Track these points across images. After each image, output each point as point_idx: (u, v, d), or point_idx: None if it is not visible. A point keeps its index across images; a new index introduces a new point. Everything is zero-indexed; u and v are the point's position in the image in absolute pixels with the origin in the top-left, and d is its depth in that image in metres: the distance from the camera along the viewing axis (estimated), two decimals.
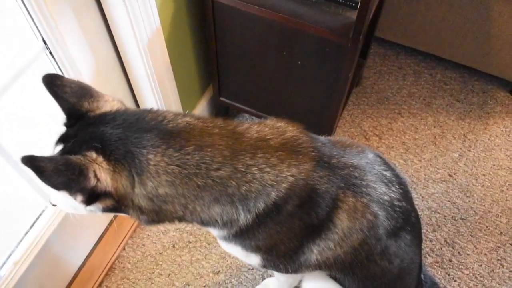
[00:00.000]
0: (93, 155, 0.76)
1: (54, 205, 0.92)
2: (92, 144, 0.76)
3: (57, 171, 0.71)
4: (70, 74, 1.13)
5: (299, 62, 1.33)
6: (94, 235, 1.51)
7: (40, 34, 1.04)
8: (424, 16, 1.83)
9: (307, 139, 0.88)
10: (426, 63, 2.07)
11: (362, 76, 1.98)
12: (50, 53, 1.08)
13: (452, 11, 1.76)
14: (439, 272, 1.54)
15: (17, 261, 1.21)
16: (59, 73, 1.12)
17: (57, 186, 0.75)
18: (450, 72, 2.04)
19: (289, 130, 0.88)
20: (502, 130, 1.87)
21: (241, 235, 0.88)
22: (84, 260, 1.48)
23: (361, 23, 1.11)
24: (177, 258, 1.54)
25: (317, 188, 0.84)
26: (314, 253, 0.92)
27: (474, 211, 1.66)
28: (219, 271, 1.52)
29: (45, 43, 1.05)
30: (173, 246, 1.56)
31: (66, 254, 1.40)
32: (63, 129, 0.85)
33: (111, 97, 0.88)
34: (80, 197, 0.78)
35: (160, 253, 1.55)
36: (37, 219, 1.28)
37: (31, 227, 1.27)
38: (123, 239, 1.55)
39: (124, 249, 1.55)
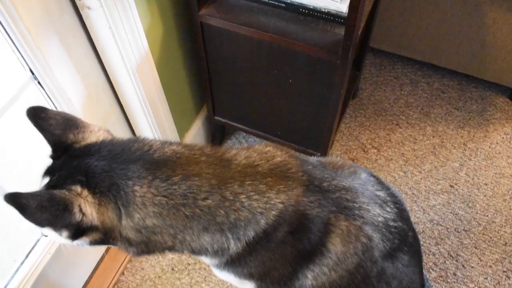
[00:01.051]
0: (78, 189, 0.75)
1: (46, 236, 0.91)
2: (77, 178, 0.76)
3: (41, 208, 0.70)
4: (60, 101, 1.12)
5: (290, 80, 1.32)
6: (91, 261, 1.49)
7: (27, 64, 1.03)
8: (418, 25, 1.82)
9: (297, 163, 0.86)
10: (423, 72, 2.05)
11: (358, 88, 1.97)
12: (39, 82, 1.07)
13: (446, 19, 1.75)
14: (444, 287, 1.51)
15: None
16: (49, 101, 1.11)
17: (41, 223, 0.74)
18: (448, 80, 2.03)
19: (277, 155, 0.86)
20: (502, 137, 1.85)
21: (233, 263, 0.87)
22: (83, 286, 1.47)
23: (350, 40, 1.10)
24: (177, 281, 1.52)
25: (308, 213, 0.82)
26: (309, 278, 0.90)
27: (477, 222, 1.63)
28: None
29: (32, 73, 1.05)
30: (172, 269, 1.54)
31: (63, 282, 1.38)
32: (49, 162, 0.84)
33: (97, 127, 0.87)
34: (65, 233, 0.77)
35: (159, 277, 1.53)
36: (32, 248, 1.27)
37: (26, 256, 1.26)
38: (122, 263, 1.53)
39: (123, 273, 1.54)
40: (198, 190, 0.77)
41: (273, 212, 0.79)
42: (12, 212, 1.10)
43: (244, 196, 0.79)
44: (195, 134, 1.70)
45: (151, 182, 0.76)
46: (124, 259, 1.54)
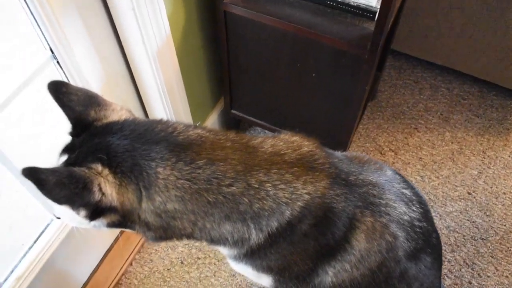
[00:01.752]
0: (99, 167, 0.72)
1: (58, 218, 0.89)
2: (98, 156, 0.73)
3: (60, 185, 0.67)
4: (77, 83, 1.10)
5: (313, 74, 1.29)
6: (100, 250, 1.47)
7: (48, 43, 1.01)
8: (441, 29, 1.79)
9: (324, 155, 0.83)
10: (443, 77, 2.02)
11: (377, 90, 1.93)
12: (58, 62, 1.05)
13: (470, 24, 1.72)
14: None
15: (20, 276, 1.17)
16: (68, 82, 1.09)
17: (59, 200, 0.71)
18: (468, 86, 1.99)
19: (304, 145, 0.83)
20: None
21: (252, 255, 0.84)
22: (90, 275, 1.44)
23: (380, 34, 1.07)
24: (186, 275, 1.49)
25: (334, 207, 0.79)
26: (329, 275, 0.87)
27: (495, 231, 1.59)
28: None
29: (52, 52, 1.03)
30: (182, 262, 1.51)
31: (71, 269, 1.36)
32: (68, 139, 0.81)
33: (119, 106, 0.85)
34: (83, 212, 0.74)
35: (168, 269, 1.50)
36: (42, 233, 1.24)
37: (35, 241, 1.23)
38: (131, 254, 1.51)
39: (131, 264, 1.51)
40: (223, 175, 0.74)
41: (299, 203, 0.76)
42: (20, 196, 1.08)
43: (270, 184, 0.76)
44: (210, 127, 1.67)
45: (174, 164, 0.73)
46: (133, 250, 1.51)
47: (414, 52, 1.97)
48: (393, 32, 1.63)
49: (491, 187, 1.70)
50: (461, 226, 1.60)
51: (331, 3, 1.19)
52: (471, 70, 1.90)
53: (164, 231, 0.79)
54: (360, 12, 1.17)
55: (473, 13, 1.68)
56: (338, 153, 0.92)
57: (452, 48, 1.85)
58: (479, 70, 1.88)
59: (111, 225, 0.79)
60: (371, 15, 1.16)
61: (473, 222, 1.61)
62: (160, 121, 0.80)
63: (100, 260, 1.46)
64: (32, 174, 0.66)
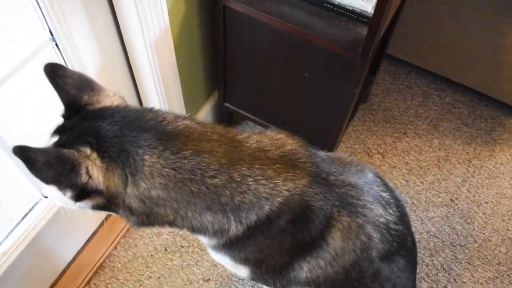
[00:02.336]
0: (87, 150, 0.74)
1: (46, 197, 0.91)
2: (87, 139, 0.75)
3: (48, 165, 0.69)
4: (75, 67, 1.12)
5: (306, 74, 1.31)
6: (86, 232, 1.49)
7: (47, 25, 1.03)
8: (437, 37, 1.82)
9: (306, 154, 0.86)
10: (436, 85, 2.05)
11: (370, 93, 1.96)
12: (56, 45, 1.07)
13: (466, 35, 1.74)
14: None
15: (6, 251, 1.20)
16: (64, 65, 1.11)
17: (46, 180, 0.73)
18: (460, 95, 2.02)
19: (288, 143, 0.86)
20: (508, 158, 1.84)
21: (231, 246, 0.87)
22: (74, 256, 1.47)
23: (371, 39, 1.10)
24: (168, 262, 1.52)
25: (312, 204, 0.82)
26: (304, 270, 0.90)
27: (474, 238, 1.63)
28: (209, 279, 1.50)
29: (51, 34, 1.05)
30: (165, 249, 1.54)
31: (56, 248, 1.39)
32: (60, 120, 0.83)
33: (112, 92, 0.86)
34: (69, 193, 0.76)
35: (151, 255, 1.53)
36: (30, 210, 1.27)
37: (23, 218, 1.26)
38: (116, 237, 1.53)
39: (115, 248, 1.54)
40: (207, 167, 0.77)
41: (278, 199, 0.79)
42: (12, 173, 1.10)
43: (252, 179, 0.78)
44: (203, 118, 1.70)
45: (161, 153, 0.75)
46: (118, 234, 1.54)
47: (409, 58, 2.00)
48: (388, 37, 1.66)
49: (473, 196, 1.73)
50: (441, 231, 1.64)
51: (328, 5, 1.21)
52: (464, 80, 1.94)
53: (147, 217, 0.82)
54: (355, 16, 1.20)
55: (469, 24, 1.71)
56: (322, 153, 0.95)
57: (447, 57, 1.88)
58: (471, 80, 1.91)
59: (95, 207, 0.82)
60: (365, 20, 1.19)
61: (453, 228, 1.65)
62: (150, 110, 0.82)
63: (85, 242, 1.49)
64: (22, 152, 0.68)
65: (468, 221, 1.67)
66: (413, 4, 1.75)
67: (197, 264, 1.52)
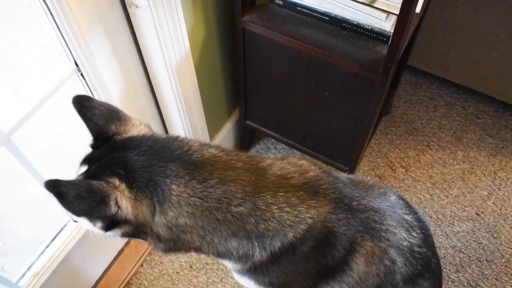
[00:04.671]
0: (116, 181, 0.76)
1: (76, 221, 0.93)
2: (116, 170, 0.77)
3: (79, 198, 0.71)
4: (100, 95, 1.15)
5: (326, 93, 1.32)
6: (113, 250, 1.53)
7: (72, 56, 1.07)
8: (460, 48, 1.80)
9: (329, 180, 0.87)
10: (459, 95, 2.02)
11: (392, 105, 1.95)
12: (81, 74, 1.11)
13: (489, 45, 1.72)
14: None
15: (37, 272, 1.24)
16: (90, 94, 1.15)
17: (77, 213, 0.76)
18: (483, 105, 1.99)
19: (311, 169, 0.87)
20: None
21: (255, 270, 0.88)
22: (102, 274, 1.50)
23: (391, 59, 1.10)
24: (194, 279, 1.54)
25: (335, 230, 0.83)
26: None
27: (501, 253, 1.60)
28: None
29: (76, 65, 1.08)
30: (191, 267, 1.56)
31: (84, 267, 1.42)
32: (89, 150, 0.86)
33: (139, 121, 0.89)
34: (99, 224, 0.79)
35: (177, 272, 1.55)
36: (59, 232, 1.31)
37: (52, 239, 1.30)
38: (142, 255, 1.56)
39: (142, 265, 1.57)
40: (232, 196, 0.78)
41: (302, 226, 0.80)
42: (39, 191, 1.13)
43: (276, 207, 0.80)
44: (225, 136, 1.72)
45: (188, 182, 0.77)
46: (144, 252, 1.57)
47: (431, 69, 1.99)
48: (409, 49, 1.65)
49: (500, 209, 1.70)
50: (467, 246, 1.62)
51: (347, 25, 1.22)
52: (487, 90, 1.91)
53: (174, 244, 0.84)
54: (374, 35, 1.20)
55: (491, 33, 1.68)
56: (344, 177, 0.95)
57: (469, 67, 1.85)
58: (495, 90, 1.89)
59: (124, 235, 0.84)
60: (384, 39, 1.19)
61: (480, 243, 1.63)
62: (176, 139, 0.84)
63: (113, 260, 1.52)
64: (54, 187, 0.70)
65: (495, 235, 1.64)
66: (434, 15, 1.74)
67: (221, 281, 1.53)
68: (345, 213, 0.84)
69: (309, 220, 0.80)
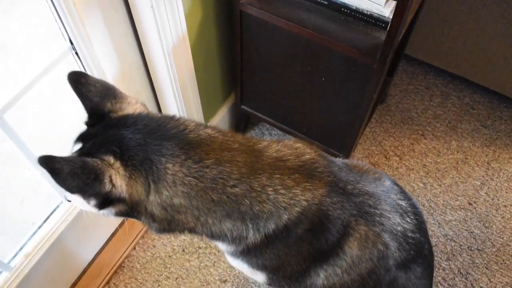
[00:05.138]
0: (111, 159, 0.75)
1: (69, 201, 0.92)
2: (111, 148, 0.76)
3: (73, 174, 0.71)
4: (94, 74, 1.14)
5: (323, 79, 1.31)
6: (106, 233, 1.52)
7: (67, 34, 1.05)
8: (457, 38, 1.79)
9: (324, 163, 0.87)
10: (455, 85, 2.03)
11: (387, 94, 1.95)
12: (76, 53, 1.09)
13: (486, 35, 1.72)
14: None
15: (29, 253, 1.23)
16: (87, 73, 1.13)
17: (71, 189, 0.75)
18: (479, 96, 1.99)
19: (307, 152, 0.87)
20: None
21: (248, 253, 0.88)
22: (95, 256, 1.50)
23: (389, 45, 1.09)
24: (186, 263, 1.54)
25: (329, 214, 0.83)
26: (321, 277, 0.91)
27: (492, 242, 1.62)
28: (226, 280, 1.51)
29: (71, 43, 1.07)
30: (183, 250, 1.56)
31: (77, 249, 1.42)
32: (83, 127, 0.84)
33: (135, 99, 0.88)
34: (93, 201, 0.78)
35: (169, 256, 1.55)
36: (51, 213, 1.30)
37: (45, 220, 1.29)
38: (135, 238, 1.56)
39: (134, 248, 1.57)
40: (228, 176, 0.78)
41: (297, 209, 0.80)
42: (32, 173, 1.12)
43: (271, 189, 0.79)
44: (220, 121, 1.71)
45: (183, 161, 0.77)
46: (137, 235, 1.57)
47: (427, 59, 1.98)
48: (406, 38, 1.65)
49: (492, 199, 1.72)
50: (458, 235, 1.63)
51: (345, 10, 1.21)
52: (483, 81, 1.91)
53: (168, 224, 0.83)
54: (373, 21, 1.19)
55: (488, 24, 1.68)
56: (339, 161, 0.95)
57: (466, 57, 1.85)
58: (491, 81, 1.89)
59: (118, 214, 0.83)
60: (383, 24, 1.18)
61: (471, 232, 1.64)
62: (172, 118, 0.83)
63: (105, 243, 1.52)
64: (48, 162, 0.69)
65: (487, 225, 1.66)
66: (432, 5, 1.73)
67: (214, 265, 1.54)
68: (340, 196, 0.84)
69: (304, 203, 0.80)
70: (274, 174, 0.81)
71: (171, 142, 0.77)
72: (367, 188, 0.89)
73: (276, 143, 0.87)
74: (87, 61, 1.11)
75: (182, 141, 0.78)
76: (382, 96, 1.88)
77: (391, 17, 1.14)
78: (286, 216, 0.80)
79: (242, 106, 1.66)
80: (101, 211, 0.82)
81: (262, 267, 0.92)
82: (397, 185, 0.99)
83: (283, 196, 0.80)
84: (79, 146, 0.81)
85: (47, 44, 1.09)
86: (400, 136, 1.88)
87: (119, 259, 1.53)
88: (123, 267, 1.53)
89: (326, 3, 1.22)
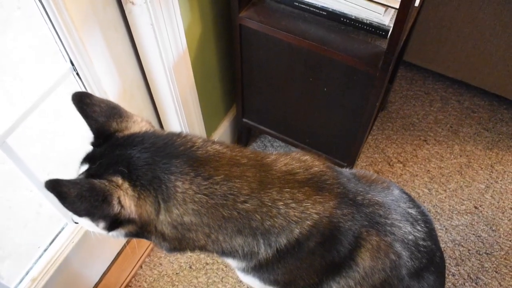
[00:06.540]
0: (119, 180, 0.74)
1: (76, 223, 0.91)
2: (119, 168, 0.75)
3: (81, 197, 0.69)
4: (96, 94, 1.13)
5: (325, 89, 1.31)
6: (112, 252, 1.51)
7: (68, 55, 1.05)
8: (454, 42, 1.80)
9: (333, 175, 0.86)
10: (454, 90, 2.03)
11: (388, 101, 1.95)
12: (77, 74, 1.09)
13: (484, 38, 1.73)
14: None
15: (35, 277, 1.22)
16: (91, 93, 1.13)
17: (79, 213, 0.73)
18: (479, 99, 2.00)
19: (315, 164, 0.86)
20: None
21: (260, 268, 0.87)
22: (101, 277, 1.48)
23: (391, 53, 1.09)
24: (194, 280, 1.52)
25: (340, 226, 0.82)
26: None
27: (500, 246, 1.61)
28: None
29: (72, 64, 1.06)
30: (190, 267, 1.55)
31: (83, 270, 1.40)
32: (89, 148, 0.83)
33: (140, 117, 0.87)
34: (102, 224, 0.77)
35: (176, 273, 1.53)
36: (56, 235, 1.28)
37: (50, 243, 1.27)
38: (141, 257, 1.55)
39: (141, 267, 1.55)
40: (238, 192, 0.77)
41: (308, 222, 0.79)
42: (33, 195, 1.11)
43: (282, 203, 0.78)
44: (222, 134, 1.71)
45: (193, 179, 0.76)
46: (143, 253, 1.55)
47: (426, 64, 1.99)
48: (405, 45, 1.65)
49: (498, 202, 1.71)
50: (466, 240, 1.62)
51: (345, 20, 1.21)
52: (482, 84, 1.91)
53: (179, 242, 0.82)
54: (373, 29, 1.19)
55: (486, 27, 1.69)
56: (347, 172, 0.94)
57: (464, 61, 1.86)
58: (490, 83, 1.89)
59: (128, 235, 0.82)
60: (383, 32, 1.18)
61: (479, 236, 1.63)
62: (179, 135, 0.82)
63: (111, 263, 1.50)
64: (54, 186, 0.68)
65: (494, 228, 1.65)
66: (429, 10, 1.74)
67: (222, 281, 1.52)
68: (350, 208, 0.83)
69: (315, 216, 0.79)
70: (284, 188, 0.80)
71: (180, 160, 0.77)
72: (376, 198, 0.88)
73: (284, 156, 0.86)
74: (88, 81, 1.10)
75: (191, 158, 0.77)
76: (383, 104, 1.88)
77: (391, 25, 1.15)
78: (297, 230, 0.79)
79: (244, 119, 1.65)
80: (111, 233, 0.81)
81: (274, 282, 0.90)
82: (406, 193, 0.99)
83: (294, 210, 0.79)
84: (85, 167, 0.80)
85: (47, 65, 1.09)
86: (403, 142, 1.87)
87: (126, 279, 1.51)
88: (130, 286, 1.51)
89: (325, 13, 1.22)
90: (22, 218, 1.33)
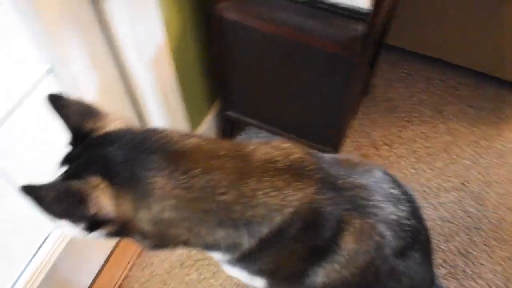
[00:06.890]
0: (96, 180, 0.74)
1: (57, 227, 0.91)
2: (96, 167, 0.75)
3: (58, 200, 0.69)
4: (73, 95, 1.11)
5: (306, 76, 1.31)
6: (101, 256, 1.49)
7: (43, 57, 1.03)
8: (435, 22, 1.80)
9: (313, 161, 0.86)
10: (437, 69, 2.04)
11: (371, 85, 1.95)
12: (54, 75, 1.07)
13: (463, 16, 1.73)
14: (453, 284, 1.50)
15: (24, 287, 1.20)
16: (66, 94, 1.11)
17: (57, 215, 0.73)
18: (462, 77, 2.01)
19: (295, 151, 0.85)
20: None
21: (244, 259, 0.87)
22: (92, 281, 1.46)
23: (370, 36, 1.09)
24: (185, 277, 1.52)
25: (322, 211, 0.82)
26: (320, 275, 0.89)
27: (488, 219, 1.62)
28: None
29: (48, 65, 1.05)
30: (181, 265, 1.54)
31: (72, 277, 1.38)
32: (68, 149, 0.83)
33: (116, 115, 0.86)
34: (81, 225, 0.76)
35: (168, 272, 1.53)
36: (42, 243, 1.26)
37: (36, 252, 1.25)
38: (131, 258, 1.54)
39: (131, 269, 1.54)
40: (217, 184, 0.76)
41: (289, 210, 0.79)
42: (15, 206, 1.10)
43: (262, 192, 0.78)
44: (206, 129, 1.70)
45: (170, 173, 0.75)
46: (133, 255, 1.55)
47: (407, 46, 1.99)
48: (386, 28, 1.65)
49: (484, 177, 1.72)
50: (454, 216, 1.63)
51: (321, 5, 1.20)
52: (464, 62, 1.92)
53: (161, 239, 0.82)
54: (350, 14, 1.18)
55: (467, 5, 1.69)
56: (328, 157, 0.94)
57: (446, 40, 1.86)
58: (472, 61, 1.90)
59: (109, 235, 0.81)
60: (361, 16, 1.17)
61: (467, 211, 1.64)
62: (155, 130, 0.81)
63: (102, 266, 1.49)
64: (30, 191, 0.68)
65: (481, 202, 1.66)
66: None
67: (214, 276, 1.52)
68: (331, 192, 0.83)
69: (296, 203, 0.79)
70: (263, 177, 0.79)
71: (157, 155, 0.76)
72: (358, 181, 0.88)
73: (264, 145, 0.86)
74: (65, 82, 1.09)
75: (168, 153, 0.77)
76: (366, 88, 1.88)
77: (368, 8, 1.14)
78: (278, 218, 0.79)
79: (227, 112, 1.65)
80: (91, 235, 0.80)
81: (260, 272, 0.90)
82: (388, 174, 0.99)
83: (274, 198, 0.79)
84: (64, 168, 0.79)
85: (22, 69, 1.08)
86: (388, 125, 1.88)
87: (117, 282, 1.50)
88: None
89: (302, 0, 1.21)
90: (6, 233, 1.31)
